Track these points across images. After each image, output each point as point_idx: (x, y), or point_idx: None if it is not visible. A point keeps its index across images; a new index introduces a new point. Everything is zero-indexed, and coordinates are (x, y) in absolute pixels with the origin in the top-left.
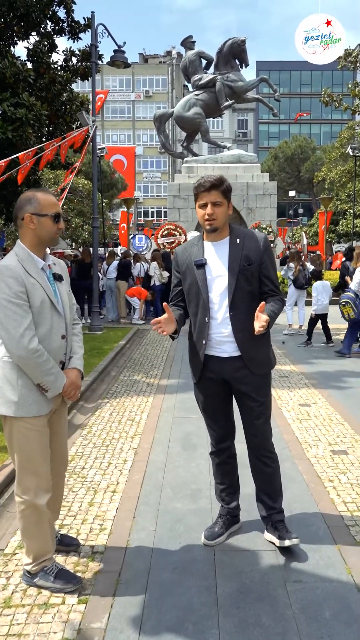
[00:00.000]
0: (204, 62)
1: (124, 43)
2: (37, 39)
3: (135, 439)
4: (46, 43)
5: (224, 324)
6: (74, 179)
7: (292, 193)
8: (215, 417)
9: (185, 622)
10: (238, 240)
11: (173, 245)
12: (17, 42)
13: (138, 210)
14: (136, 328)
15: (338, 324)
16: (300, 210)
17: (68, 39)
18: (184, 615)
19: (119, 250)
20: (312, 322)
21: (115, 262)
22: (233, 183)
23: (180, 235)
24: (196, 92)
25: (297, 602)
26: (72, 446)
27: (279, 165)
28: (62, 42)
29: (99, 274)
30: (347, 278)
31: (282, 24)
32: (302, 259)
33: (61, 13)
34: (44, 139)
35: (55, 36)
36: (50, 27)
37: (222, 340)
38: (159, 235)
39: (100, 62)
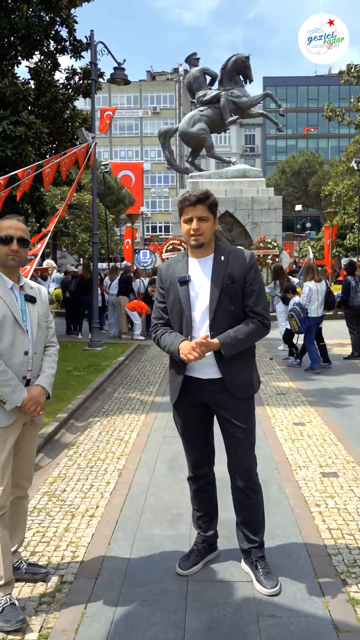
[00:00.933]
0: (208, 78)
1: (124, 60)
2: (40, 57)
3: (121, 459)
4: (49, 62)
5: None
6: (80, 194)
7: (298, 207)
8: (193, 442)
9: None
10: (223, 258)
11: None
12: (21, 61)
13: (146, 225)
14: (137, 344)
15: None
16: (308, 224)
17: (71, 57)
18: None
19: (121, 265)
20: (288, 336)
21: (117, 278)
22: (238, 198)
23: (185, 249)
24: (201, 108)
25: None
26: (55, 467)
27: (286, 179)
28: (66, 61)
29: (101, 289)
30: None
31: (289, 40)
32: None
33: (64, 32)
34: (47, 156)
35: (57, 55)
36: (53, 46)
37: (203, 362)
38: (164, 250)
39: (102, 80)
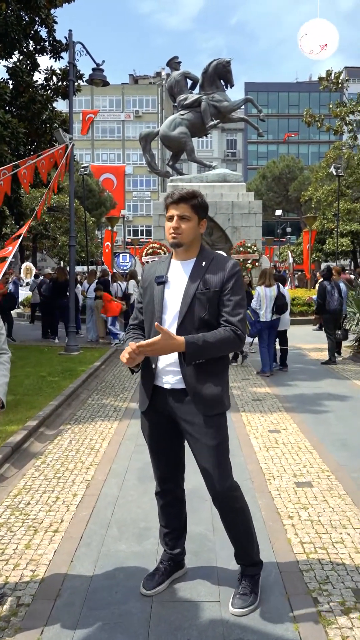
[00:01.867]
0: (189, 82)
1: (103, 61)
2: (19, 57)
3: (90, 469)
4: (28, 62)
5: None
6: (61, 197)
7: (278, 212)
8: (159, 455)
9: None
10: (204, 263)
11: None
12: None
13: (128, 228)
14: (114, 348)
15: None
16: (289, 229)
17: (50, 58)
18: None
19: (99, 268)
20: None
21: (95, 282)
22: (218, 202)
23: (165, 253)
24: (182, 112)
25: None
26: (21, 478)
27: (267, 184)
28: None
29: (77, 292)
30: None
31: (270, 48)
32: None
33: (43, 32)
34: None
35: (37, 55)
36: (32, 46)
37: (168, 370)
38: (144, 253)
39: (81, 82)
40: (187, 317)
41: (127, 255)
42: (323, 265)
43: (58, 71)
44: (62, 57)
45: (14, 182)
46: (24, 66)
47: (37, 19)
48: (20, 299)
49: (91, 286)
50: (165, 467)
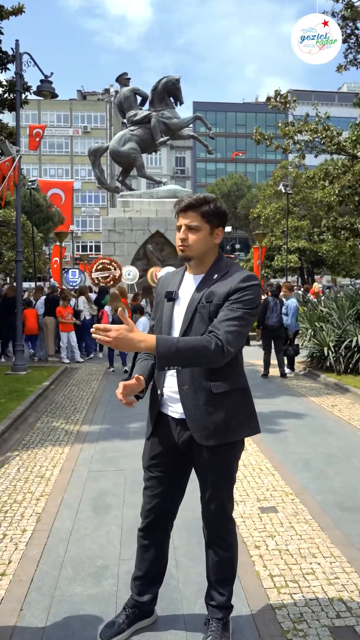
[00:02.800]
0: (139, 98)
1: (51, 73)
2: None
3: (41, 500)
4: None
5: (174, 374)
6: (6, 211)
7: (228, 229)
8: (155, 488)
9: None
10: (215, 276)
11: (108, 279)
12: None
13: (76, 244)
14: (64, 367)
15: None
16: (238, 246)
17: None
18: None
19: (46, 285)
20: None
21: (43, 298)
22: (169, 218)
23: (115, 269)
24: (131, 128)
25: None
26: None
27: None
28: None
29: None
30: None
31: (216, 68)
32: None
33: None
34: None
35: None
36: None
37: (172, 397)
38: (93, 269)
39: (28, 93)
40: (187, 334)
41: (77, 271)
42: (273, 282)
43: (4, 82)
44: (8, 69)
45: None
46: None
47: None
48: None
49: (38, 302)
50: (160, 502)
